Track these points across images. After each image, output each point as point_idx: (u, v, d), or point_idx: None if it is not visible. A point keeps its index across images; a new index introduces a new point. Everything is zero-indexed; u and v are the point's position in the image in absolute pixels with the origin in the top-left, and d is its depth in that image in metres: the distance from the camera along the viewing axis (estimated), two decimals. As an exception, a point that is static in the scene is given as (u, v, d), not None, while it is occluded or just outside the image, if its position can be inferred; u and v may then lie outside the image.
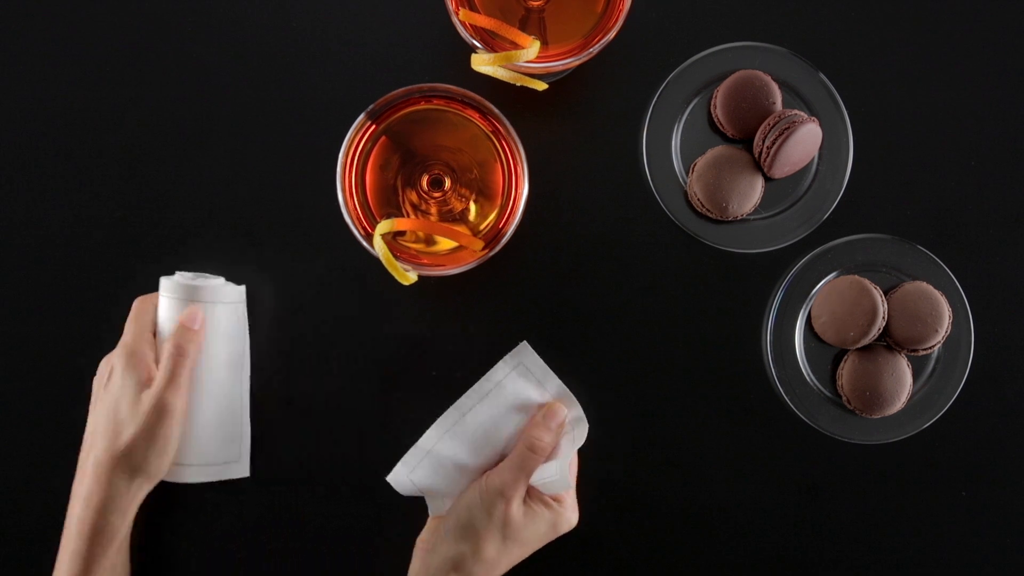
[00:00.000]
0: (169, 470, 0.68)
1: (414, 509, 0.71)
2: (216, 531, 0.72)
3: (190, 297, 0.68)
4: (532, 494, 0.67)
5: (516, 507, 0.65)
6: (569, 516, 0.67)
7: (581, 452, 0.72)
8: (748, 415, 0.73)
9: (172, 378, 0.67)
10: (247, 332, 0.72)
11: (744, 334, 0.73)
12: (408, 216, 0.68)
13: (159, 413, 0.66)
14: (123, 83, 0.74)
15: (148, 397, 0.66)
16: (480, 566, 0.64)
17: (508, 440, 0.68)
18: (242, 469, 0.71)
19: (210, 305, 0.69)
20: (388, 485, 0.69)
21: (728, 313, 0.73)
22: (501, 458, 0.68)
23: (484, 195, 0.69)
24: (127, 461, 0.66)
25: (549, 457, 0.67)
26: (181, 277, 0.70)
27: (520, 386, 0.67)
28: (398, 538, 0.72)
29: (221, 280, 0.71)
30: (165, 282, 0.69)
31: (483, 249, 0.66)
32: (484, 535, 0.64)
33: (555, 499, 0.67)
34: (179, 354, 0.67)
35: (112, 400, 0.67)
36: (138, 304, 0.70)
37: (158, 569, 0.72)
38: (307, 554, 0.72)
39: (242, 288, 0.72)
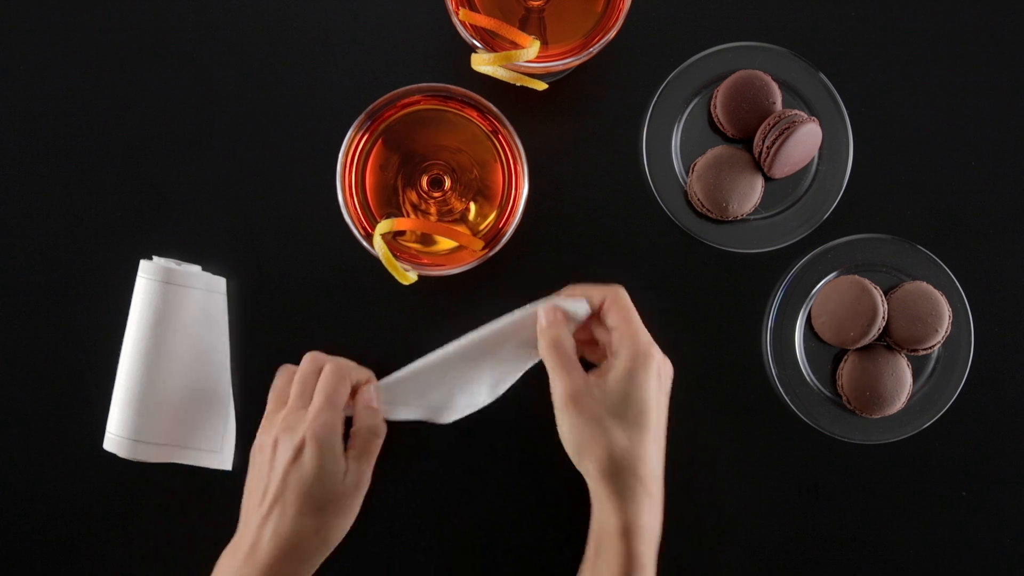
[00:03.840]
0: (129, 446, 0.68)
1: (408, 512, 0.72)
2: (211, 531, 0.72)
3: (166, 279, 0.69)
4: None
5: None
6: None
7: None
8: (748, 415, 0.73)
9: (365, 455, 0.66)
10: (226, 325, 0.72)
11: (744, 334, 0.73)
12: (408, 216, 0.68)
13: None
14: (123, 83, 0.74)
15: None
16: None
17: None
18: (223, 461, 0.71)
19: (183, 288, 0.69)
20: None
21: (728, 313, 0.73)
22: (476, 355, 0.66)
23: (484, 195, 0.69)
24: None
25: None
26: (160, 260, 0.70)
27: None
28: (390, 540, 0.72)
29: (198, 268, 0.71)
30: (144, 264, 0.70)
31: (483, 249, 0.66)
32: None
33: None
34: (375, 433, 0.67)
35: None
36: (334, 368, 0.68)
37: (150, 568, 0.72)
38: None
39: (221, 280, 0.72)
